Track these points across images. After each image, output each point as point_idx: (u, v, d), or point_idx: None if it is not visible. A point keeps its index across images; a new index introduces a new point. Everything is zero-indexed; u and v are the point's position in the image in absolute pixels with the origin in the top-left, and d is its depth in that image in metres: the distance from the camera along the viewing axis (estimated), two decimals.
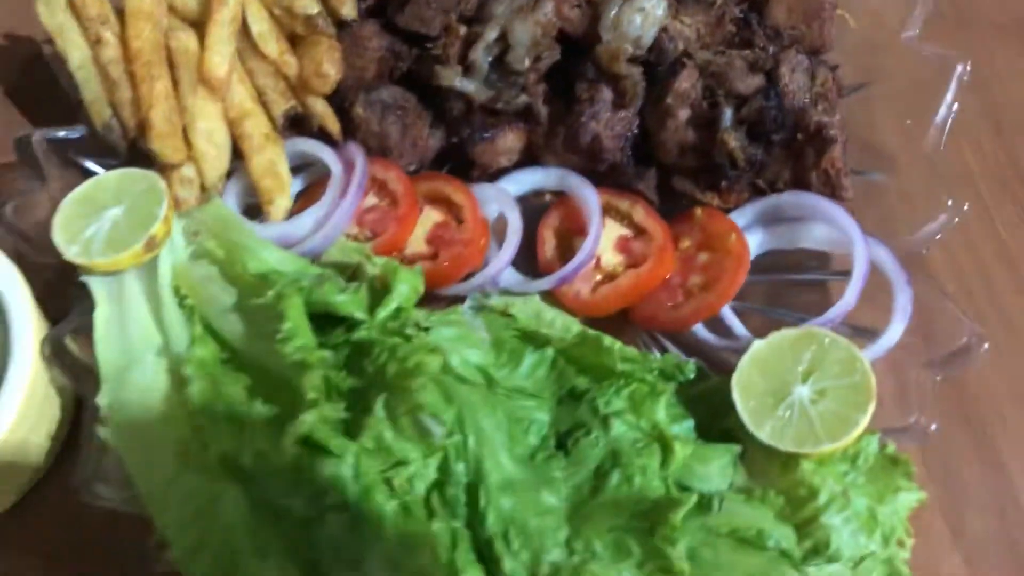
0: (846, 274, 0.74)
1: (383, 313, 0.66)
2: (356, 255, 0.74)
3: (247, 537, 0.60)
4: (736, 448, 0.65)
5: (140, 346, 0.70)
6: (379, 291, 0.70)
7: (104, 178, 0.75)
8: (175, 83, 0.77)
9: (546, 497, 0.63)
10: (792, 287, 0.80)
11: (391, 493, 0.60)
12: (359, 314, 0.66)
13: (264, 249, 0.72)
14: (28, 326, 0.69)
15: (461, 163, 0.81)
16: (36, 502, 0.74)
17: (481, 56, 0.78)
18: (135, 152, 0.79)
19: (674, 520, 0.58)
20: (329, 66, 0.77)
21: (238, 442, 0.63)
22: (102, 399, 0.67)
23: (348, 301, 0.66)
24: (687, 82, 0.74)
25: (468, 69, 0.78)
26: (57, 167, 0.79)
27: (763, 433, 0.64)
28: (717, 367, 0.71)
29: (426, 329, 0.68)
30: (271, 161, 0.77)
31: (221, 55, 0.75)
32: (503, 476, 0.63)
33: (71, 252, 0.71)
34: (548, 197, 0.82)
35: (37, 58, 0.85)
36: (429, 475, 0.62)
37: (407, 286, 0.68)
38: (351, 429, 0.63)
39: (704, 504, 0.62)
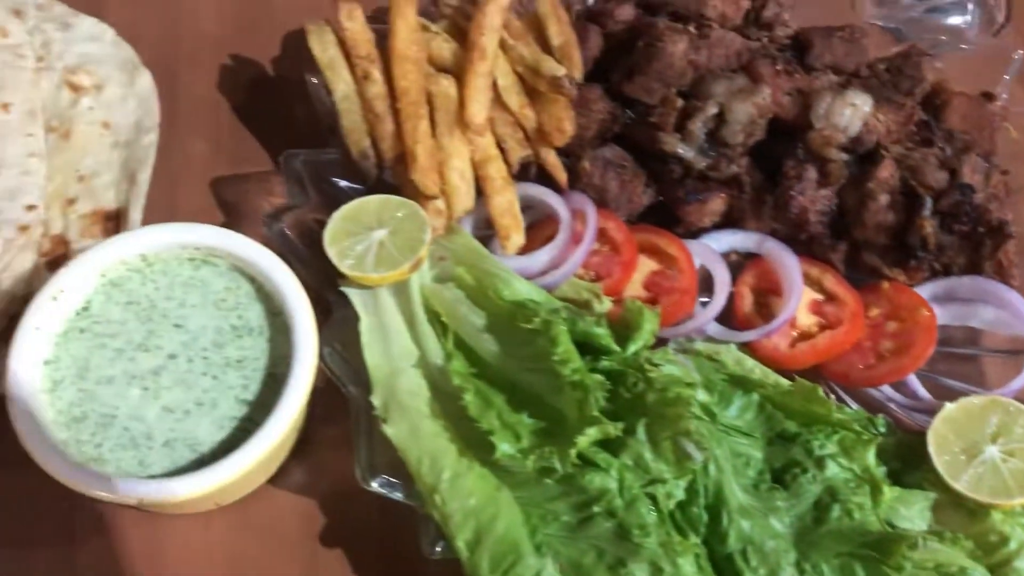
0: (1008, 352, 0.86)
1: (633, 347, 0.75)
2: (587, 293, 0.83)
3: (526, 534, 0.68)
4: (932, 495, 0.75)
5: (401, 356, 0.78)
6: (616, 326, 0.79)
7: (366, 201, 0.83)
8: (432, 123, 0.86)
9: (773, 523, 0.72)
10: (948, 358, 0.90)
11: (653, 506, 0.69)
12: (611, 346, 0.75)
13: (515, 279, 0.81)
14: (312, 332, 0.76)
15: (664, 219, 0.91)
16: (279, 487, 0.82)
17: (699, 128, 0.88)
18: (379, 180, 0.88)
19: (902, 551, 0.68)
20: (568, 124, 0.87)
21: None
22: (376, 399, 0.75)
23: (604, 334, 0.75)
24: (887, 171, 0.85)
25: (684, 137, 0.88)
26: (311, 184, 0.87)
27: (960, 484, 0.74)
28: (895, 423, 0.82)
29: (657, 364, 0.77)
30: (509, 202, 0.86)
31: (480, 103, 0.85)
32: (738, 501, 0.72)
33: (345, 264, 0.80)
34: (734, 256, 0.92)
35: (297, 84, 0.94)
36: (678, 494, 0.71)
37: (650, 325, 0.77)
38: (608, 447, 0.71)
39: (913, 541, 0.71)
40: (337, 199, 0.88)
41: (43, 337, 0.76)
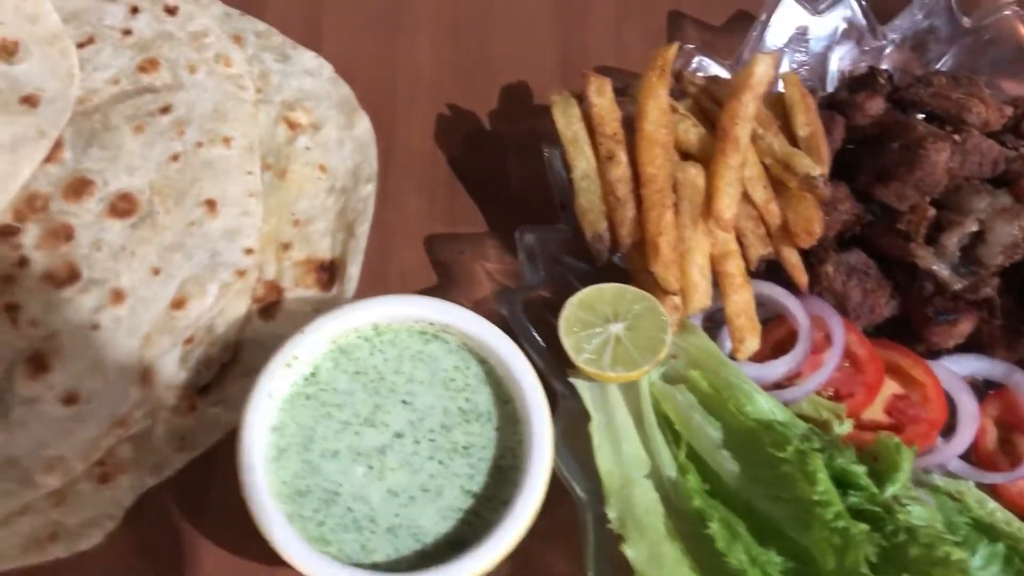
0: None
1: (891, 489, 0.71)
2: (827, 412, 0.78)
3: None
4: None
5: (633, 463, 0.74)
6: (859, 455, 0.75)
7: (601, 289, 0.80)
8: (674, 212, 0.81)
9: None
10: None
11: None
12: (869, 487, 0.71)
13: (757, 393, 0.76)
14: (548, 431, 0.73)
15: (896, 331, 0.86)
16: None
17: (954, 244, 0.82)
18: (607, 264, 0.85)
19: None
20: (817, 225, 0.82)
21: None
22: (611, 512, 0.72)
23: (862, 473, 0.71)
24: None
25: (936, 252, 0.83)
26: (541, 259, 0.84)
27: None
28: None
29: (905, 504, 0.72)
30: (747, 302, 0.82)
31: (730, 197, 0.80)
32: None
33: (581, 359, 0.76)
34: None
35: (514, 140, 0.91)
36: None
37: (907, 465, 0.72)
38: None
39: None
40: (561, 277, 0.85)
41: (272, 403, 0.74)
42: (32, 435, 0.77)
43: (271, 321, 0.86)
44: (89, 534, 0.77)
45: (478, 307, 0.89)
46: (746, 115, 0.82)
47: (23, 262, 0.83)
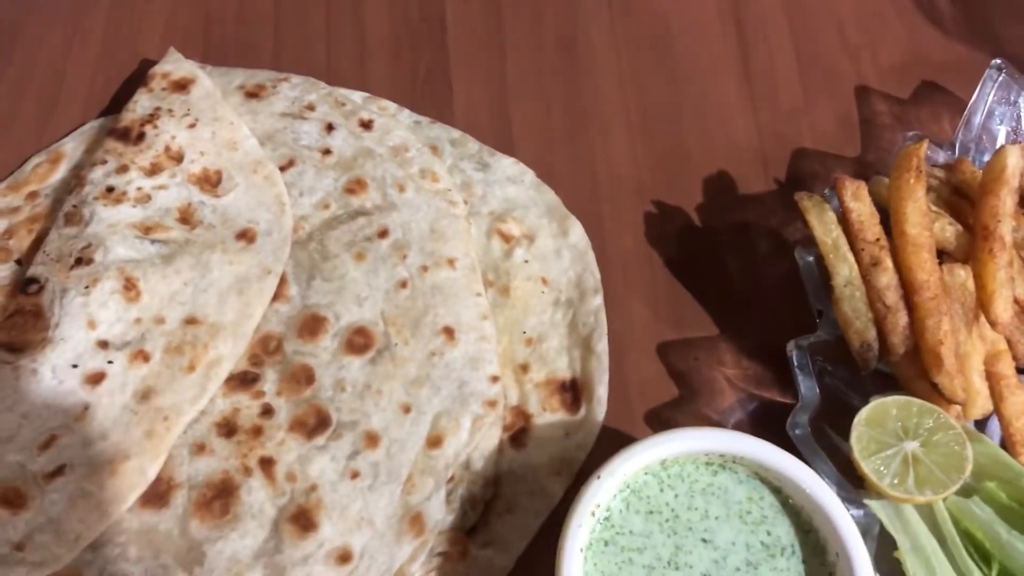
0: None
1: None
2: None
3: None
4: None
5: None
6: None
7: (884, 404, 0.77)
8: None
9: None
10: None
11: None
12: None
13: None
14: (867, 561, 0.70)
15: None
16: None
17: None
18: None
19: None
20: None
21: None
22: None
23: None
24: None
25: None
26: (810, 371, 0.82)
27: None
28: None
29: None
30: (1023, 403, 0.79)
31: (1005, 299, 0.78)
32: None
33: (885, 484, 0.73)
34: None
35: (725, 236, 0.89)
36: None
37: None
38: None
39: None
40: (827, 387, 0.82)
41: (580, 554, 0.71)
42: None
43: (523, 450, 0.83)
44: None
45: (724, 417, 0.87)
46: (1006, 212, 0.80)
47: (267, 411, 0.80)
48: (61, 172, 0.93)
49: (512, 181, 0.95)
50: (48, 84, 1.01)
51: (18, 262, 0.88)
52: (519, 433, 0.83)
